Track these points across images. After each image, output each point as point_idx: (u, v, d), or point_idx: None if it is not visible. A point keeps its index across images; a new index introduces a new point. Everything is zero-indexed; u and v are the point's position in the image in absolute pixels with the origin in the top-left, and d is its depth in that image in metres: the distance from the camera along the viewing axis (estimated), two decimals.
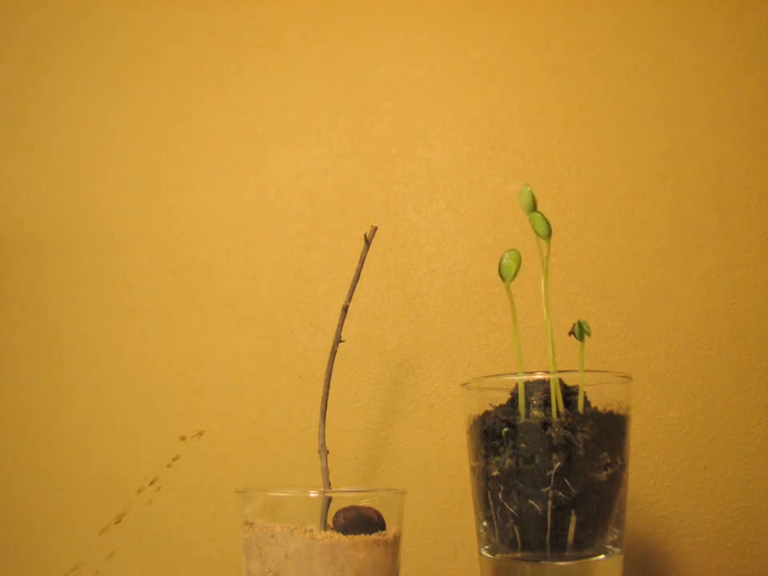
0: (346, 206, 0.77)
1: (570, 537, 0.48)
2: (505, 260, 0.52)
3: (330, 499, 0.52)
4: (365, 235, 0.60)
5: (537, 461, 0.48)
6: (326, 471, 0.56)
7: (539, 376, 0.50)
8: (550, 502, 0.47)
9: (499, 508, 0.49)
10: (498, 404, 0.51)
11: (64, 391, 0.76)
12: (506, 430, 0.49)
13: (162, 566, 0.72)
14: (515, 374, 0.51)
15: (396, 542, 0.52)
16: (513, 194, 0.75)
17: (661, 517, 0.67)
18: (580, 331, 0.51)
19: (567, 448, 0.48)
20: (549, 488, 0.48)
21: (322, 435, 0.57)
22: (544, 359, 0.71)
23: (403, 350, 0.73)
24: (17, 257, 0.80)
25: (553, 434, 0.48)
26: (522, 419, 0.49)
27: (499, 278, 0.73)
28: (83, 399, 0.76)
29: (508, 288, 0.52)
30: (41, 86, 0.84)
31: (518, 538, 0.49)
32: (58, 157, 0.82)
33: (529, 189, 0.52)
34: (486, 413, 0.51)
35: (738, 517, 0.67)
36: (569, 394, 0.50)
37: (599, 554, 0.49)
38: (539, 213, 0.52)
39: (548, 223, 0.52)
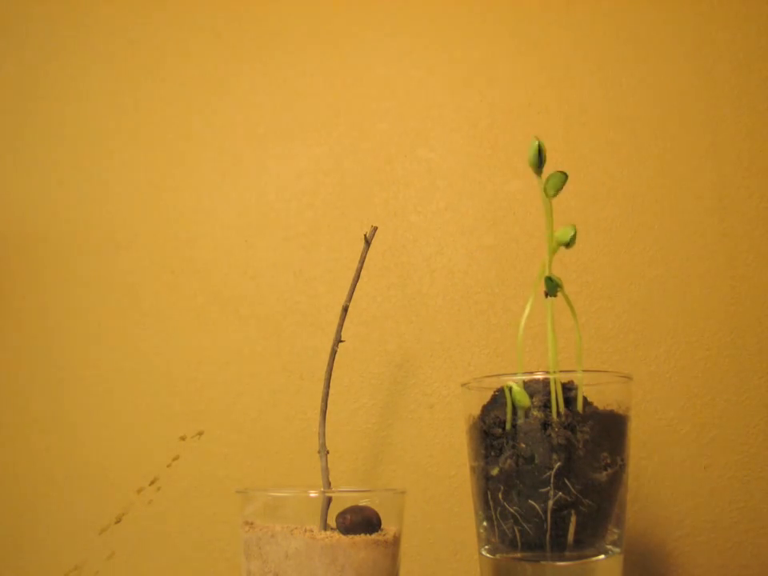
0: (346, 206, 0.77)
1: (570, 537, 0.48)
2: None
3: (330, 499, 0.52)
4: (365, 235, 0.60)
5: (537, 461, 0.48)
6: (325, 471, 0.56)
7: (539, 376, 0.50)
8: (550, 502, 0.47)
9: (499, 508, 0.49)
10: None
11: (64, 391, 0.76)
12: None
13: (162, 566, 0.72)
14: (515, 374, 0.51)
15: (396, 542, 0.52)
16: (513, 194, 0.75)
17: (661, 517, 0.67)
18: (551, 285, 0.50)
19: (567, 448, 0.48)
20: (549, 488, 0.48)
21: (322, 435, 0.57)
22: (544, 359, 0.71)
23: (403, 350, 0.73)
24: (17, 256, 0.80)
25: (553, 434, 0.48)
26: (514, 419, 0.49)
27: (499, 278, 0.73)
28: (83, 399, 0.76)
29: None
30: (42, 86, 0.84)
31: (517, 538, 0.49)
32: (59, 157, 0.82)
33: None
34: (484, 406, 0.51)
35: (737, 517, 0.67)
36: (568, 393, 0.50)
37: (599, 553, 0.49)
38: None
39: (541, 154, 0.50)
